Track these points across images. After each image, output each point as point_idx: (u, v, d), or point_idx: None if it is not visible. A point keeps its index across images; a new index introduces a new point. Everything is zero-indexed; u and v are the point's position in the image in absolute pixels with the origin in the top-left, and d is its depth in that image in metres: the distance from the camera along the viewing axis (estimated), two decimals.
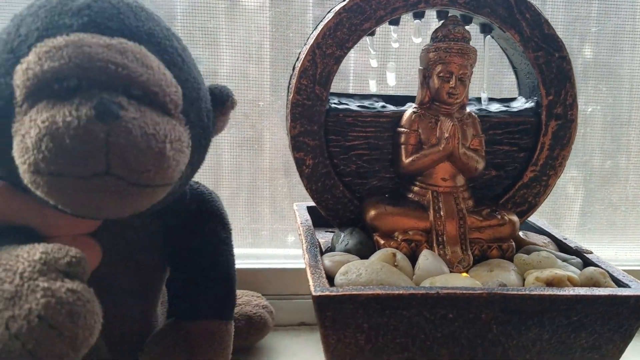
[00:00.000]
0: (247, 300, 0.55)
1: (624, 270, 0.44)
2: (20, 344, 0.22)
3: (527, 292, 0.39)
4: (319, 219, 0.53)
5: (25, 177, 0.26)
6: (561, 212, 0.76)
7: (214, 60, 0.65)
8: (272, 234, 0.72)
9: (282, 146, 0.69)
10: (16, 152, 0.26)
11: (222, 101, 0.35)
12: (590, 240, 0.76)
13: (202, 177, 0.64)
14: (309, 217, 0.55)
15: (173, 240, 0.42)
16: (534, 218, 0.56)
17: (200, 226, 0.42)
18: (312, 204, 0.56)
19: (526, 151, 0.52)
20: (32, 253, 0.25)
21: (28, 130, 0.25)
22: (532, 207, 0.53)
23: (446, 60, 0.47)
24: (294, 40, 0.66)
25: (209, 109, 0.33)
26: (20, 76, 0.26)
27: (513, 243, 0.48)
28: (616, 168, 0.75)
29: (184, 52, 0.32)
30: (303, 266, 0.62)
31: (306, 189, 0.51)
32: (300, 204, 0.60)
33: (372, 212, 0.48)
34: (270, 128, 0.68)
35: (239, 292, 0.53)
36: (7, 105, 0.26)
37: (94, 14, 0.27)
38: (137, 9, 0.30)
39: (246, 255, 0.68)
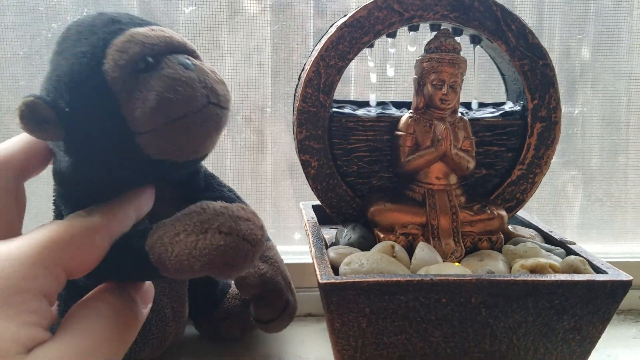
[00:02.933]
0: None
1: (618, 262, 0.48)
2: (234, 236, 0.29)
3: (512, 278, 0.42)
4: (324, 216, 0.58)
5: (148, 138, 0.32)
6: (561, 210, 0.80)
7: (218, 67, 0.69)
8: (279, 232, 0.76)
9: (288, 150, 0.73)
10: (141, 120, 0.32)
11: None
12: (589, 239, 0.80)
13: None
14: (314, 215, 0.59)
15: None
16: (524, 213, 0.60)
17: (219, 193, 0.48)
18: (317, 203, 0.60)
19: (514, 151, 0.57)
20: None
21: (144, 98, 0.32)
22: (520, 203, 0.57)
23: (438, 69, 0.51)
24: (295, 48, 0.70)
25: None
26: (112, 72, 0.31)
27: (502, 235, 0.52)
28: (614, 167, 0.78)
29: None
30: (309, 261, 0.66)
31: (312, 189, 0.55)
32: (306, 203, 0.64)
33: (373, 209, 0.52)
34: (273, 133, 0.73)
35: None
36: (109, 97, 0.32)
37: (123, 18, 0.34)
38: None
39: None
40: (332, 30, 0.52)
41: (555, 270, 0.45)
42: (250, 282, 0.50)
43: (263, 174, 0.75)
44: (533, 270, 0.45)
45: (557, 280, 0.43)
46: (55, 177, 0.36)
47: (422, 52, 0.53)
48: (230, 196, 0.48)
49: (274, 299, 0.51)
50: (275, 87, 0.72)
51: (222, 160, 0.73)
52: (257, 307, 0.53)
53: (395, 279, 0.42)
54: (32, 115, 0.31)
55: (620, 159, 0.78)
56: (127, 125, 0.32)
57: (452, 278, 0.42)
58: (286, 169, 0.75)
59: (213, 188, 0.48)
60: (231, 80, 0.70)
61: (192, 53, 0.35)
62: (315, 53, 0.52)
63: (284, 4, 0.69)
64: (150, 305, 0.34)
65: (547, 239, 0.55)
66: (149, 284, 0.34)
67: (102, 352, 0.27)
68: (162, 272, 0.31)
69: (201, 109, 0.33)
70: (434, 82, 0.51)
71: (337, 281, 0.42)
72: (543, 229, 0.56)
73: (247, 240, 0.29)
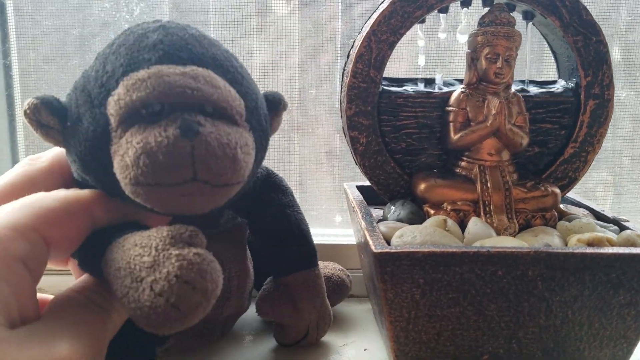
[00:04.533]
0: (324, 266, 0.60)
1: None
2: (164, 300, 0.26)
3: (570, 251, 0.42)
4: (368, 197, 0.57)
5: (127, 189, 0.30)
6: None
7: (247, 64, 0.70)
8: (320, 215, 0.76)
9: (314, 152, 0.74)
10: (117, 170, 0.30)
11: (275, 105, 0.39)
12: None
13: None
14: (360, 194, 0.59)
15: (248, 217, 0.48)
16: (573, 194, 0.59)
17: (266, 199, 0.48)
18: (360, 184, 0.61)
19: (566, 129, 0.56)
20: (159, 231, 0.29)
21: (126, 150, 0.29)
22: (572, 182, 0.56)
23: (493, 43, 0.50)
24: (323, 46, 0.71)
25: (266, 114, 0.38)
26: (113, 106, 0.30)
27: (555, 213, 0.51)
28: None
29: (242, 69, 0.36)
30: (350, 242, 0.66)
31: (359, 166, 0.55)
32: (350, 183, 0.64)
33: (423, 185, 0.52)
34: (299, 130, 0.74)
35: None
36: (105, 131, 0.30)
37: (167, 47, 0.32)
38: (201, 37, 0.34)
39: None
40: (385, 4, 0.51)
41: (612, 244, 0.44)
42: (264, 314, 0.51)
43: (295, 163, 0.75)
44: (590, 244, 0.44)
45: (615, 253, 0.42)
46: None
47: (476, 27, 0.53)
48: (281, 215, 0.48)
49: (291, 332, 0.52)
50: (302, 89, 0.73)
51: None
52: (276, 329, 0.53)
53: (450, 250, 0.41)
54: (35, 117, 0.31)
55: None
56: (112, 167, 0.30)
57: (510, 250, 0.42)
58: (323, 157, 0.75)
59: (268, 200, 0.48)
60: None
61: (222, 111, 0.31)
62: (367, 28, 0.52)
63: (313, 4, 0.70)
64: None
65: (600, 217, 0.54)
66: None
67: (86, 348, 0.26)
68: None
69: (181, 183, 0.30)
70: (489, 56, 0.51)
71: (392, 251, 0.41)
72: (595, 208, 0.55)
73: (176, 308, 0.26)
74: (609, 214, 0.53)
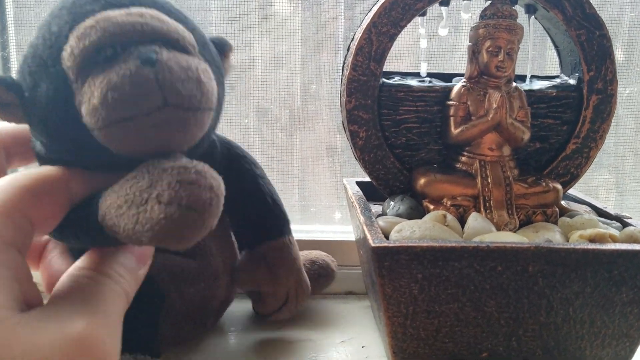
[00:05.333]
0: (308, 252, 0.60)
1: None
2: (176, 206, 0.26)
3: (572, 246, 0.41)
4: (368, 193, 0.57)
5: (100, 136, 0.30)
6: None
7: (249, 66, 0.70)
8: (319, 211, 0.76)
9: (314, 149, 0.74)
10: (87, 117, 0.29)
11: (222, 47, 0.39)
12: None
13: None
14: (359, 189, 0.58)
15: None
16: (575, 191, 0.59)
17: (239, 171, 0.49)
18: (360, 179, 0.60)
19: (569, 124, 0.55)
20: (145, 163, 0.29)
21: (91, 94, 0.29)
22: (574, 178, 0.56)
23: (495, 35, 0.50)
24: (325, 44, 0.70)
25: (216, 53, 0.38)
26: (67, 59, 0.30)
27: (557, 209, 0.51)
28: None
29: (186, 15, 0.36)
30: (350, 238, 0.65)
31: (358, 160, 0.54)
32: (349, 179, 0.63)
33: (422, 180, 0.52)
34: (301, 128, 0.73)
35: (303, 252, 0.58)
36: (65, 86, 0.30)
37: None
38: None
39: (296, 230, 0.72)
40: None
41: (615, 240, 0.44)
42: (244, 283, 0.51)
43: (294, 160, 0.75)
44: (592, 240, 0.44)
45: (617, 250, 0.41)
46: (36, 158, 0.35)
47: (477, 19, 0.52)
48: (255, 186, 0.49)
49: (270, 301, 0.52)
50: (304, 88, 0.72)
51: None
52: (254, 300, 0.53)
53: (449, 244, 0.41)
54: None
55: None
56: (80, 119, 0.30)
57: (510, 245, 0.41)
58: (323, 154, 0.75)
59: (241, 171, 0.48)
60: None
61: (175, 43, 0.32)
62: (367, 20, 0.51)
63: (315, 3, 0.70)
64: (148, 264, 0.33)
65: (602, 214, 0.53)
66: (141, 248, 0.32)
67: (102, 324, 0.26)
68: (122, 242, 0.29)
69: (153, 111, 0.29)
70: (490, 49, 0.50)
71: (390, 245, 0.41)
72: (597, 205, 0.54)
73: (191, 209, 0.26)
74: (611, 211, 0.52)
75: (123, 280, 0.30)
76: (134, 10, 0.31)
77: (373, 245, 0.41)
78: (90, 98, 0.29)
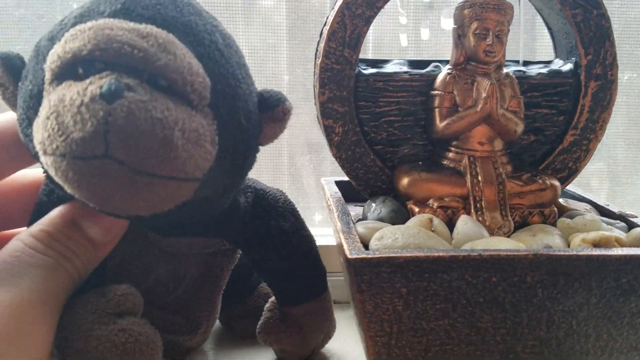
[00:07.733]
0: None
1: None
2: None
3: (575, 253, 0.37)
4: (348, 194, 0.52)
5: (43, 163, 0.26)
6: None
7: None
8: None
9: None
10: (34, 134, 0.26)
11: (270, 106, 0.33)
12: None
13: None
14: (337, 190, 0.54)
15: (243, 247, 0.44)
16: (574, 187, 0.55)
17: (262, 228, 0.43)
18: (339, 179, 0.55)
19: (565, 114, 0.51)
20: (85, 304, 0.29)
21: (43, 109, 0.25)
22: (572, 173, 0.51)
23: (482, 16, 0.45)
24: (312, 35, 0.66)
25: (251, 111, 0.31)
26: (49, 59, 0.26)
27: (555, 209, 0.47)
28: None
29: (227, 49, 0.30)
30: (331, 243, 0.61)
31: (335, 158, 0.50)
32: (328, 178, 0.59)
33: (406, 180, 0.47)
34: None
35: None
36: (40, 89, 0.26)
37: (129, 2, 0.27)
38: (182, 3, 0.29)
39: None
40: None
41: (622, 244, 0.40)
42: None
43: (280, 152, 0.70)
44: (596, 244, 0.39)
45: (625, 255, 0.37)
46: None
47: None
48: (285, 245, 0.43)
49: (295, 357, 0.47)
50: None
51: None
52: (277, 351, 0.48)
53: (436, 254, 0.36)
54: None
55: None
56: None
57: (505, 253, 0.36)
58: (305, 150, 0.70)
59: (265, 229, 0.42)
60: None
61: (170, 84, 0.26)
62: (340, 1, 0.46)
63: None
64: (115, 237, 0.31)
65: (604, 213, 0.49)
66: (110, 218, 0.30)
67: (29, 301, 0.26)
68: None
69: (89, 158, 0.24)
70: (477, 32, 0.45)
71: (369, 256, 0.36)
72: (598, 202, 0.50)
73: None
74: (614, 208, 0.48)
75: (76, 258, 0.29)
76: (145, 28, 0.26)
77: (350, 257, 0.36)
78: (40, 114, 0.25)
